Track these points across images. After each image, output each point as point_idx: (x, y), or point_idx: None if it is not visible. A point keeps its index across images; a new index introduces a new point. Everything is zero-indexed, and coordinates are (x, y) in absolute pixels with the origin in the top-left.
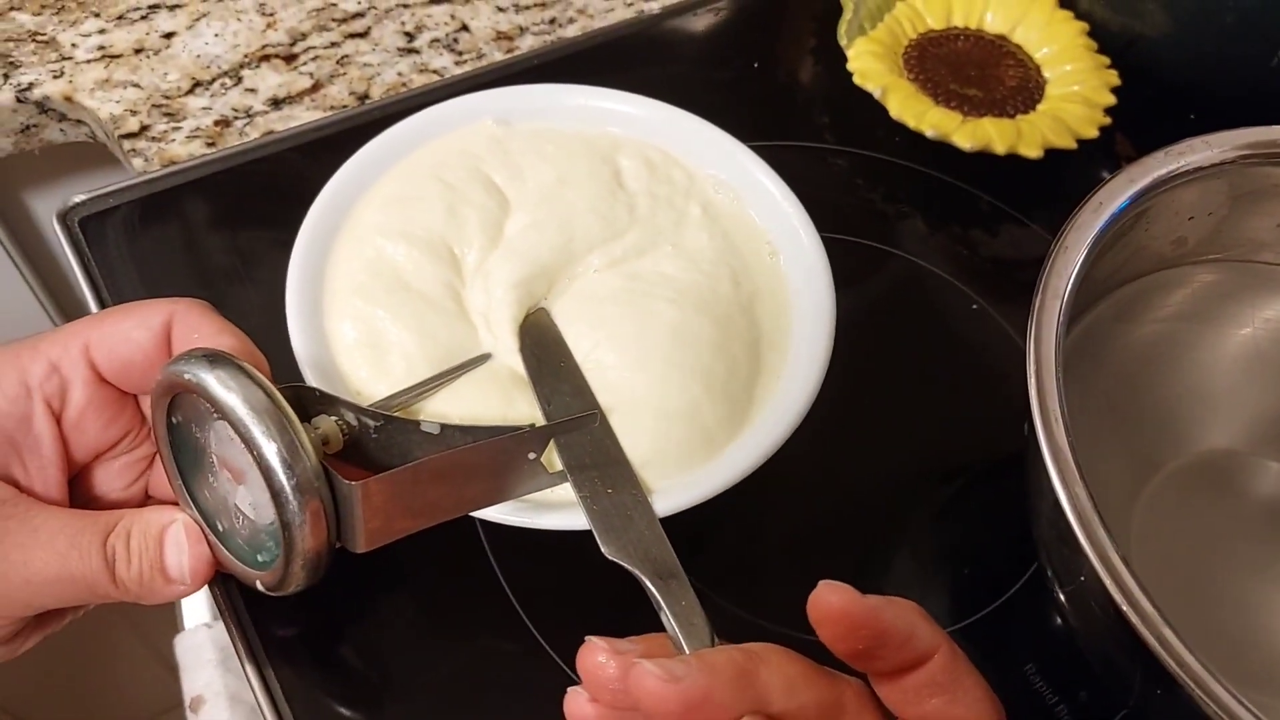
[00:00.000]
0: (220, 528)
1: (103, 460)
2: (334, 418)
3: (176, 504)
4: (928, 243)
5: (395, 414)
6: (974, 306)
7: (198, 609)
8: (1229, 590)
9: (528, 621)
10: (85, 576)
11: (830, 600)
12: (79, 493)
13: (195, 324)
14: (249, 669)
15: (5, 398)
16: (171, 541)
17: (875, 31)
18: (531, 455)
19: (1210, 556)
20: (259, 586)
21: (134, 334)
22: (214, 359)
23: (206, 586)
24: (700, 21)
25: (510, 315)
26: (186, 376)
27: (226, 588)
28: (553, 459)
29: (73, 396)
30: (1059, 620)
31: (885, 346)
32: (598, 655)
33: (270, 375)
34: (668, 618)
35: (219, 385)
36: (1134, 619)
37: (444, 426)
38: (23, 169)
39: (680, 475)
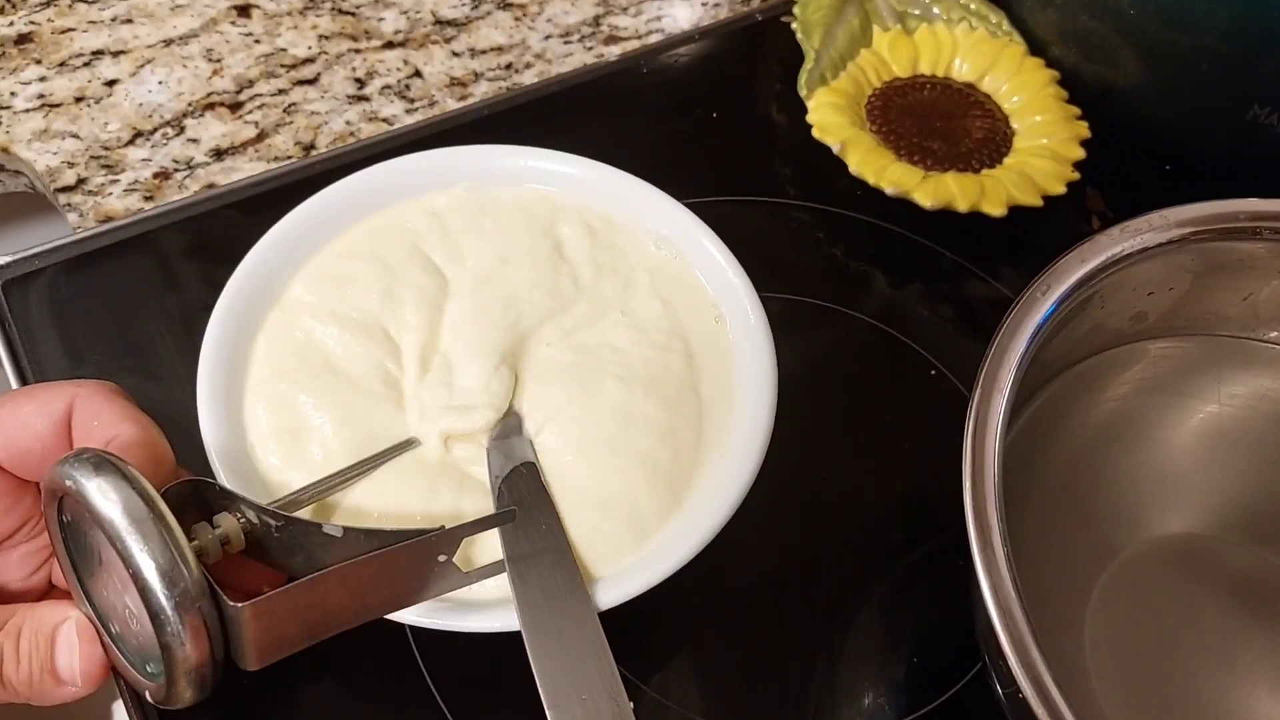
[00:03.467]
0: (114, 630)
1: (1, 550)
2: (237, 515)
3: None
4: (887, 303)
5: (296, 515)
6: (932, 372)
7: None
8: (1187, 681)
9: (447, 713)
10: None
11: None
12: None
13: (97, 411)
14: None
15: None
16: (64, 641)
17: (838, 81)
18: (441, 558)
19: (1168, 645)
20: (148, 698)
21: (32, 421)
22: (98, 465)
23: (113, 677)
24: (661, 69)
25: (498, 398)
26: (69, 483)
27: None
28: (469, 555)
29: None
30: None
31: (839, 415)
32: None
33: (175, 467)
34: None
35: (98, 495)
36: None
37: (346, 529)
38: None
39: (609, 567)
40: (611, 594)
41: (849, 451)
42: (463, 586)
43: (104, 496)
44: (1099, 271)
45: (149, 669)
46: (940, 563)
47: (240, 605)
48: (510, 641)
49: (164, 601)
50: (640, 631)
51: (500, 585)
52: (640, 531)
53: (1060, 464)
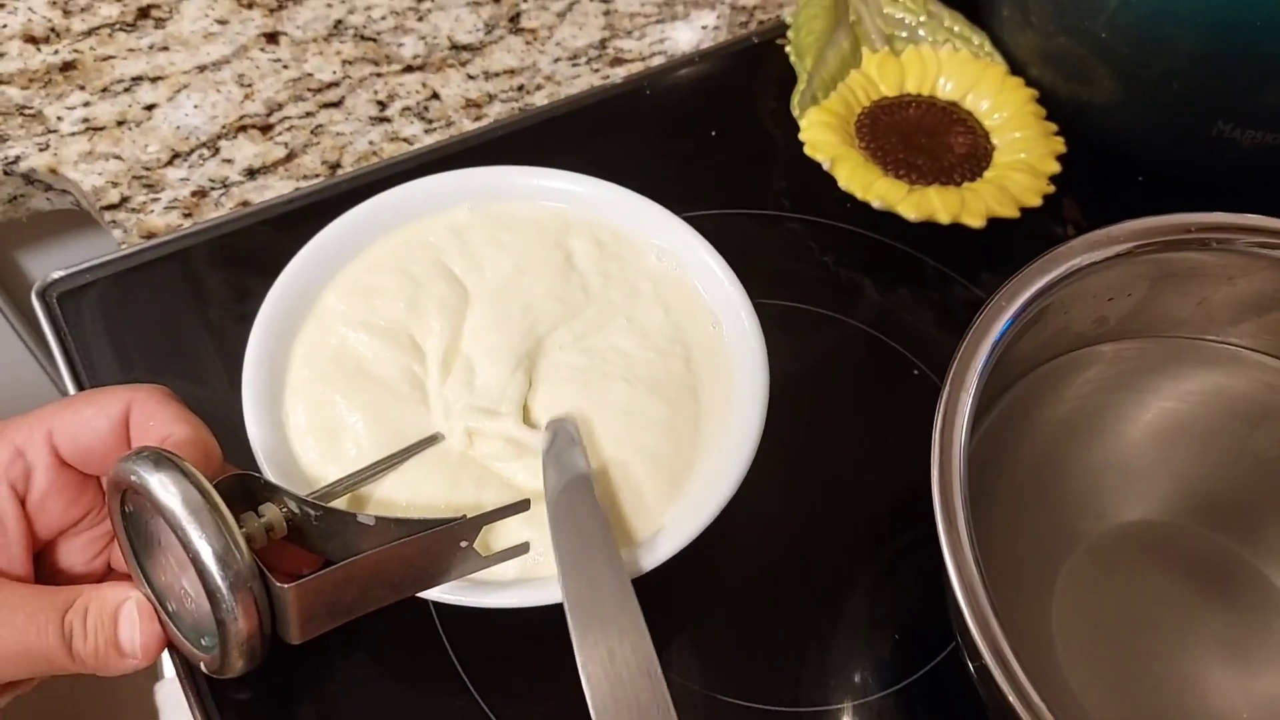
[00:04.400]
0: (170, 608)
1: (66, 536)
2: (280, 505)
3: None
4: (874, 308)
5: (333, 505)
6: (915, 372)
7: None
8: (1151, 659)
9: (473, 690)
10: (43, 651)
11: None
12: (44, 567)
13: (152, 412)
14: None
15: None
16: (126, 619)
17: (828, 101)
18: (464, 544)
19: (1130, 624)
20: (203, 668)
21: (94, 422)
22: (158, 461)
23: (169, 651)
24: (663, 89)
25: (515, 399)
26: (132, 478)
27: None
28: (487, 541)
29: (36, 480)
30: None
31: (829, 413)
32: None
33: (222, 462)
34: None
35: (160, 488)
36: (1020, 710)
37: (378, 519)
38: (14, 235)
39: (622, 549)
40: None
41: (838, 446)
42: (482, 569)
43: (165, 489)
44: (1061, 280)
45: (203, 642)
46: (922, 548)
47: (287, 586)
48: (527, 620)
49: (220, 581)
50: (646, 612)
51: (518, 566)
52: (644, 518)
53: (1028, 458)
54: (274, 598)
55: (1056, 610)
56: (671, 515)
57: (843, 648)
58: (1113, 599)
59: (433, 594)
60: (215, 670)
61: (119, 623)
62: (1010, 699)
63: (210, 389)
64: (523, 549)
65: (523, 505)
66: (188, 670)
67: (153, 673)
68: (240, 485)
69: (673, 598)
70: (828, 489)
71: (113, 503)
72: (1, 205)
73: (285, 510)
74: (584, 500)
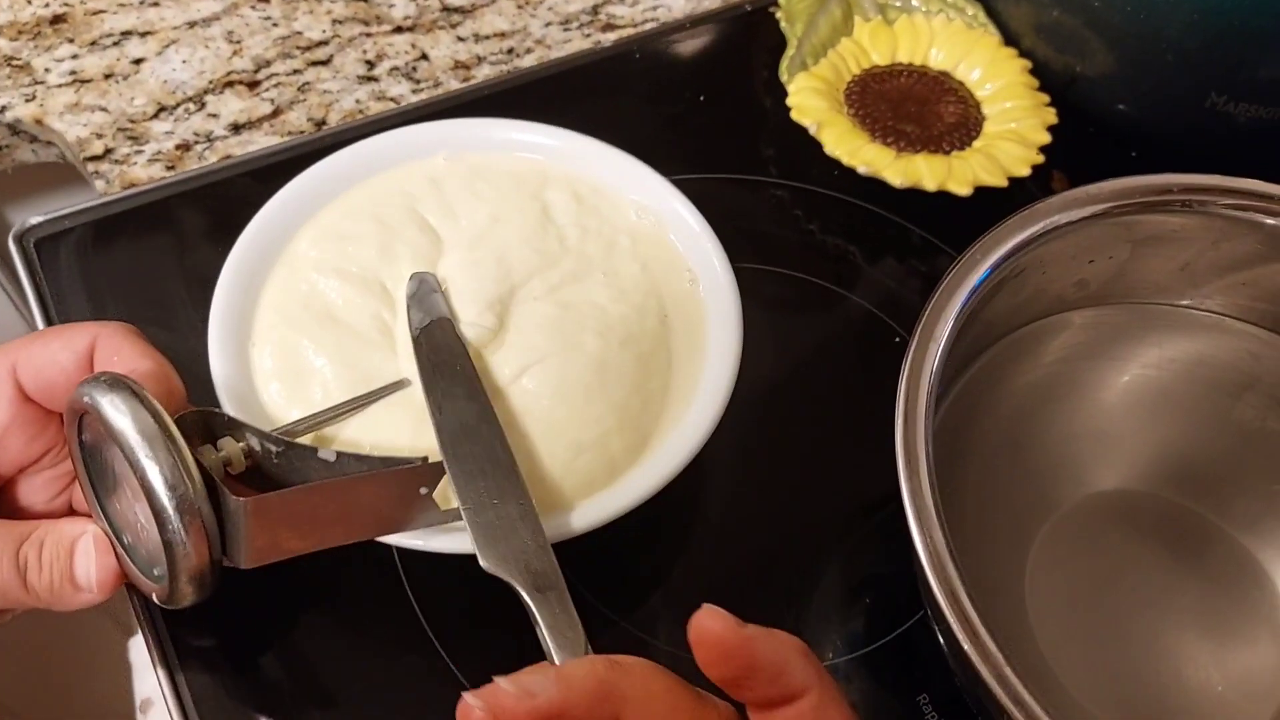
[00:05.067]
0: (126, 541)
1: (27, 474)
2: (240, 441)
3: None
4: (858, 275)
5: (295, 441)
6: (897, 339)
7: None
8: (1125, 629)
9: (434, 640)
10: None
11: (707, 625)
12: (4, 505)
13: (117, 347)
14: (160, 673)
15: None
16: (81, 552)
17: (818, 67)
18: (424, 490)
19: (1104, 592)
20: (155, 599)
21: (58, 356)
22: (113, 384)
23: (127, 593)
24: (653, 54)
25: (480, 338)
26: (86, 399)
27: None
28: (447, 494)
29: None
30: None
31: (807, 378)
32: (466, 700)
33: (185, 400)
34: (541, 630)
35: (111, 409)
36: (975, 658)
37: (340, 454)
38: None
39: (581, 499)
40: (584, 520)
41: (815, 410)
42: (440, 524)
43: (117, 411)
44: (1038, 237)
45: (155, 573)
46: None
47: (243, 500)
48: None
49: (168, 505)
50: (614, 570)
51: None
52: (610, 469)
53: (1003, 422)
54: (227, 515)
55: (1029, 577)
56: (638, 470)
57: (813, 611)
58: (1087, 567)
59: (392, 538)
60: (165, 600)
61: (75, 556)
62: (979, 668)
63: (181, 336)
64: None
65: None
66: (146, 611)
67: (126, 628)
68: (201, 421)
69: (641, 558)
70: (803, 453)
71: (70, 431)
72: None
73: (245, 445)
74: (445, 335)
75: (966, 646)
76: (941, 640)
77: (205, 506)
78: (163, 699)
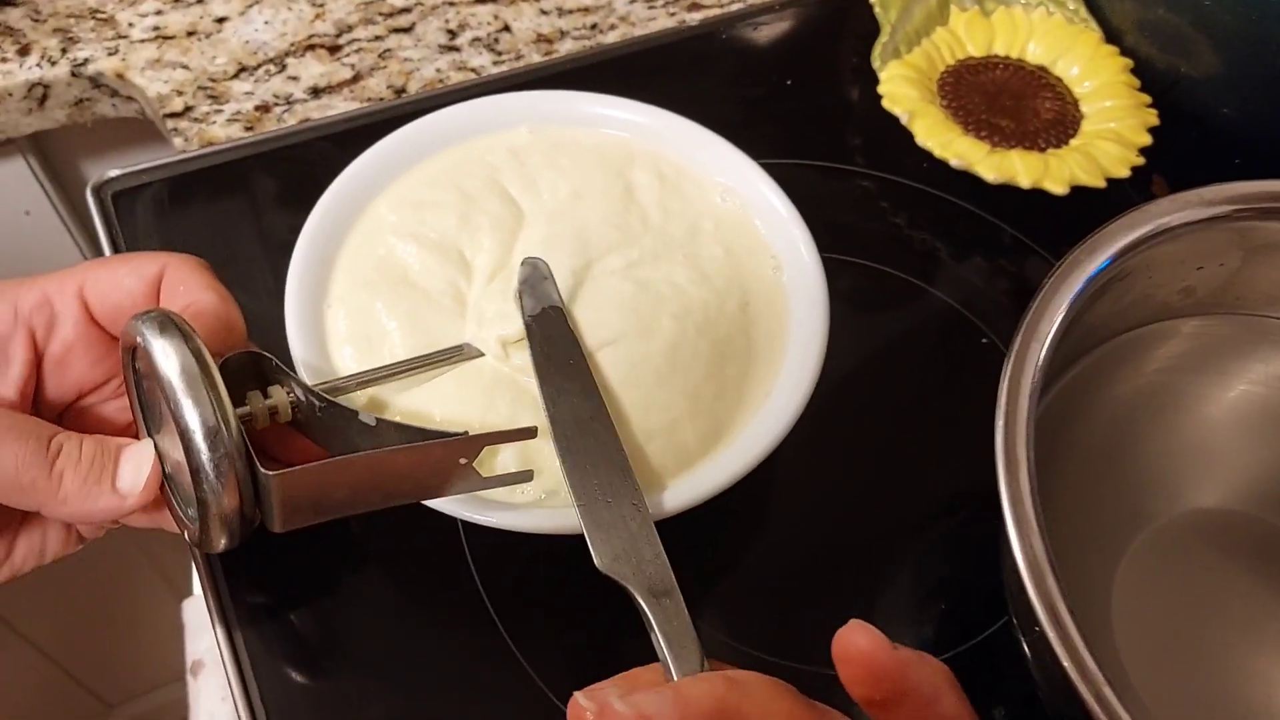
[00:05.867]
0: (167, 471)
1: (94, 403)
2: (287, 390)
3: None
4: (945, 272)
5: (337, 401)
6: (984, 340)
7: None
8: (1209, 650)
9: (497, 620)
10: (22, 462)
11: (857, 642)
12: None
13: (184, 277)
14: (219, 632)
15: None
16: (133, 459)
17: (911, 55)
18: (463, 461)
19: (1194, 615)
20: (186, 538)
21: (126, 280)
22: (163, 323)
23: (189, 551)
24: (739, 36)
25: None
26: (137, 338)
27: (209, 555)
28: (492, 464)
29: (61, 331)
30: (1026, 667)
31: (887, 374)
32: (579, 702)
33: (245, 339)
34: (658, 639)
35: (160, 352)
36: (1074, 675)
37: (380, 420)
38: (78, 140)
39: (651, 489)
40: (655, 510)
41: (897, 410)
42: (481, 490)
43: (164, 354)
44: (1146, 239)
45: (189, 513)
46: (984, 520)
47: (271, 474)
48: (554, 548)
49: (203, 451)
50: (678, 558)
51: (539, 487)
52: (682, 458)
53: (1099, 430)
54: (259, 483)
55: (1117, 592)
56: (710, 461)
57: (887, 614)
58: (1178, 585)
59: (446, 505)
60: (195, 542)
61: (122, 462)
62: (1066, 666)
63: (254, 296)
64: (526, 476)
65: (529, 431)
66: (209, 568)
67: (180, 590)
68: (253, 364)
69: (711, 550)
70: (879, 449)
71: (125, 359)
72: (67, 108)
73: (292, 396)
74: (557, 326)
75: (1066, 664)
76: (1029, 653)
77: (241, 464)
78: (219, 658)
